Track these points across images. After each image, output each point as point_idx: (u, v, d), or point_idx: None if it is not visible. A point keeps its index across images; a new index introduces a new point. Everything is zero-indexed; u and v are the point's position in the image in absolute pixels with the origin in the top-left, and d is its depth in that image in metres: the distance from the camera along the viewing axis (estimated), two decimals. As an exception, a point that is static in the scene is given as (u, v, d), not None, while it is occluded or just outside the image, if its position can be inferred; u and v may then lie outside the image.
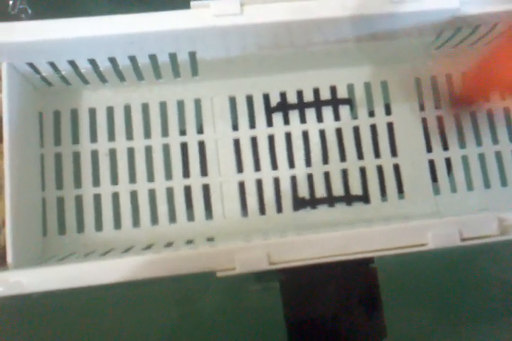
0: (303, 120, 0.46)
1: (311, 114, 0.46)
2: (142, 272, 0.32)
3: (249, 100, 0.46)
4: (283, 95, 0.47)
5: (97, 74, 0.42)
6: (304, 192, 0.45)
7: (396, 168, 0.46)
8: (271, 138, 0.46)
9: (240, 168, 0.45)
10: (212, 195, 0.44)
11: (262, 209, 0.44)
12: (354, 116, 0.47)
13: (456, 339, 0.45)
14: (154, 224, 0.43)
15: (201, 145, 0.45)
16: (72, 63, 0.39)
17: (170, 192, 0.44)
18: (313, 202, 0.45)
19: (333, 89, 0.47)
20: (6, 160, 0.36)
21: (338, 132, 0.46)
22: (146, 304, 0.43)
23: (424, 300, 0.45)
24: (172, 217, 0.44)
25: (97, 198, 0.43)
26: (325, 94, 0.47)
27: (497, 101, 0.47)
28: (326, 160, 0.46)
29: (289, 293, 0.40)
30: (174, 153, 0.45)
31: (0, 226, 0.36)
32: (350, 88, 0.47)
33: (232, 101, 0.46)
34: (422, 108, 0.47)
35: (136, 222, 0.43)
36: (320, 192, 0.45)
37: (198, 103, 0.46)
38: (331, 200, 0.45)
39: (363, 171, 0.46)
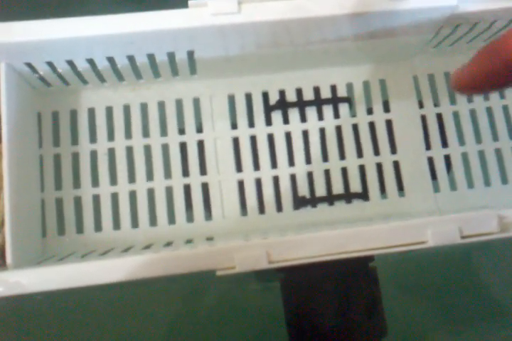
0: (302, 118, 0.46)
1: (310, 112, 0.46)
2: (142, 272, 0.32)
3: (249, 99, 0.46)
4: (282, 93, 0.47)
5: (95, 73, 0.42)
6: (304, 190, 0.45)
7: (396, 166, 0.46)
8: (270, 137, 0.46)
9: (239, 167, 0.45)
10: (211, 194, 0.44)
11: (262, 209, 0.44)
12: (353, 115, 0.47)
13: (456, 337, 0.45)
14: (153, 224, 0.43)
15: (200, 144, 0.45)
16: (70, 63, 0.39)
17: (169, 192, 0.44)
18: (313, 200, 0.45)
19: (332, 88, 0.47)
20: (5, 161, 0.36)
21: (338, 130, 0.46)
22: (145, 304, 0.43)
23: (425, 298, 0.45)
24: (171, 217, 0.44)
25: (96, 198, 0.43)
26: (324, 93, 0.47)
27: (496, 98, 0.48)
28: (325, 158, 0.46)
29: (289, 292, 0.40)
30: (173, 152, 0.45)
31: (-1, 226, 0.36)
32: (349, 86, 0.47)
33: (231, 100, 0.46)
34: (420, 105, 0.47)
35: (135, 222, 0.43)
36: (320, 190, 0.45)
37: (196, 102, 0.46)
38: (331, 199, 0.45)
39: (362, 169, 0.46)
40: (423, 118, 0.47)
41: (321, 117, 0.46)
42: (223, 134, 0.45)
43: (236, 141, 0.45)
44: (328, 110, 0.46)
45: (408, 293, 0.44)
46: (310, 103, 0.46)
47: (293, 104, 0.46)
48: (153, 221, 0.43)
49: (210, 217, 0.44)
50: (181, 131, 0.45)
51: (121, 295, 0.42)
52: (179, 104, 0.46)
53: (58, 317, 0.43)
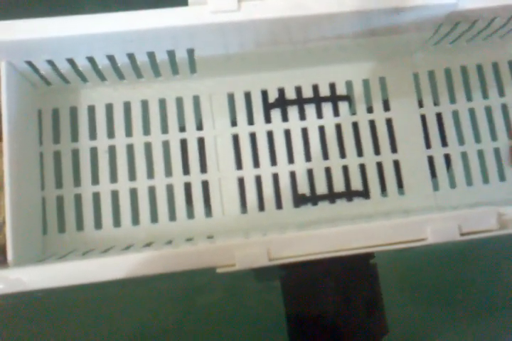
0: (302, 116, 0.46)
1: (309, 110, 0.46)
2: (142, 269, 0.32)
3: (248, 97, 0.46)
4: (281, 91, 0.47)
5: (95, 72, 0.42)
6: (304, 188, 0.45)
7: (396, 164, 0.46)
8: (270, 135, 0.46)
9: (239, 165, 0.45)
10: (211, 192, 0.44)
11: (262, 206, 0.45)
12: (353, 113, 0.47)
13: (457, 335, 0.45)
14: (154, 221, 0.43)
15: (200, 142, 0.45)
16: (70, 61, 0.39)
17: (169, 189, 0.44)
18: (314, 198, 0.45)
19: (332, 86, 0.47)
20: (6, 159, 0.36)
21: (338, 128, 0.46)
22: (146, 301, 0.43)
23: (425, 295, 0.45)
24: (172, 215, 0.44)
25: (97, 196, 0.43)
26: (323, 91, 0.47)
27: (495, 97, 0.48)
28: (325, 156, 0.46)
29: (289, 290, 0.40)
30: (174, 149, 0.45)
31: (0, 224, 0.36)
32: (349, 84, 0.47)
33: (231, 98, 0.46)
34: (420, 104, 0.47)
35: (135, 219, 0.43)
36: (320, 188, 0.45)
37: (196, 100, 0.46)
38: (331, 196, 0.45)
39: (362, 167, 0.46)
40: (423, 117, 0.47)
41: (320, 115, 0.46)
42: (223, 132, 0.45)
43: (236, 139, 0.45)
44: (327, 108, 0.46)
45: (408, 290, 0.45)
46: (309, 101, 0.46)
47: (292, 102, 0.46)
48: (153, 218, 0.43)
49: (210, 214, 0.44)
50: (182, 129, 0.45)
51: (122, 292, 0.43)
52: (179, 102, 0.46)
53: (59, 314, 0.43)
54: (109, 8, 0.36)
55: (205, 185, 0.44)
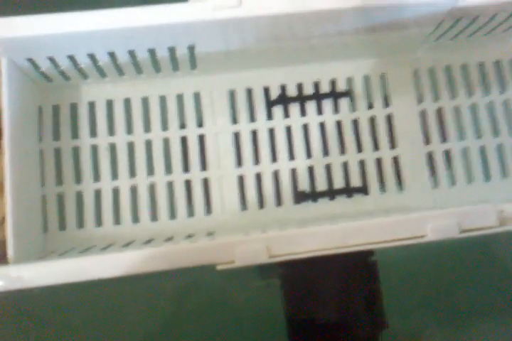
0: (303, 113, 0.46)
1: (310, 106, 0.46)
2: (142, 266, 0.32)
3: (249, 93, 0.46)
4: (283, 88, 0.46)
5: (96, 68, 0.42)
6: (304, 185, 0.45)
7: (395, 160, 0.46)
8: (271, 132, 0.46)
9: (239, 162, 0.45)
10: (211, 189, 0.44)
11: (262, 203, 0.45)
12: (354, 109, 0.47)
13: (456, 331, 0.45)
14: (154, 219, 0.43)
15: (201, 139, 0.45)
16: (71, 58, 0.39)
17: (170, 187, 0.44)
18: (314, 195, 0.45)
19: (333, 82, 0.47)
20: (7, 156, 0.36)
21: (338, 125, 0.46)
22: (146, 298, 0.43)
23: (424, 291, 0.45)
24: (172, 212, 0.44)
25: (97, 193, 0.43)
26: (324, 87, 0.47)
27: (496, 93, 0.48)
28: (326, 152, 0.46)
29: (289, 287, 0.41)
30: (174, 146, 0.45)
31: (0, 221, 0.36)
32: (350, 81, 0.47)
33: (232, 95, 0.46)
34: (420, 100, 0.47)
35: (136, 217, 0.43)
36: (320, 185, 0.45)
37: (197, 96, 0.46)
38: (331, 193, 0.45)
39: (362, 163, 0.46)
40: (423, 113, 0.47)
41: (321, 112, 0.46)
42: (224, 129, 0.45)
43: (237, 136, 0.45)
44: (328, 105, 0.46)
45: (408, 287, 0.45)
46: (311, 97, 0.46)
47: (294, 99, 0.46)
48: (153, 215, 0.43)
49: (210, 212, 0.44)
50: (182, 126, 0.45)
51: (122, 289, 0.43)
52: (180, 98, 0.46)
53: (59, 311, 0.43)
54: (110, 4, 0.36)
55: (205, 182, 0.44)
